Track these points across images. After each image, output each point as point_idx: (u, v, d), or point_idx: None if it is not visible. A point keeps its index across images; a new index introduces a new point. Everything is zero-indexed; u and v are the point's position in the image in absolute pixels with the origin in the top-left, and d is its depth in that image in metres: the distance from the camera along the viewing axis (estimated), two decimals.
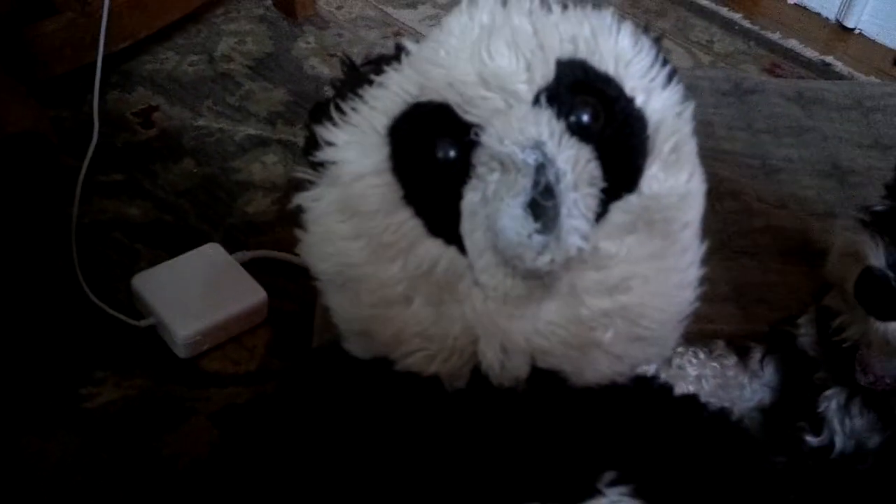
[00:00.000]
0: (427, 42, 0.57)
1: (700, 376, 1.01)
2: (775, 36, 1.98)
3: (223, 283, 1.19)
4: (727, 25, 2.00)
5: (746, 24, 2.01)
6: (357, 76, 0.59)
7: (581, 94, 0.54)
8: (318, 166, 0.58)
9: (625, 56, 0.56)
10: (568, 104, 0.53)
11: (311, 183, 0.58)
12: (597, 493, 0.51)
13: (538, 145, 0.51)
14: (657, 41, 0.60)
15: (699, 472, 0.56)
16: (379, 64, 0.59)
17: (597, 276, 0.53)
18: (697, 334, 1.12)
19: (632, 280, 0.54)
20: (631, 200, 0.54)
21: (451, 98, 0.54)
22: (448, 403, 0.55)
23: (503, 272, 0.53)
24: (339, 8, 1.85)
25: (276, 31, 1.74)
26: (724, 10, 2.05)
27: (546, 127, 0.52)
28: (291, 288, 1.24)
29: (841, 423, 0.89)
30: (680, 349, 1.02)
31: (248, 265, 1.23)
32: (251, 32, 1.73)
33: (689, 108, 0.58)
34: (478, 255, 0.53)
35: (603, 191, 0.53)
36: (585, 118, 0.53)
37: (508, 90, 0.53)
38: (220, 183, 1.42)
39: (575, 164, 0.51)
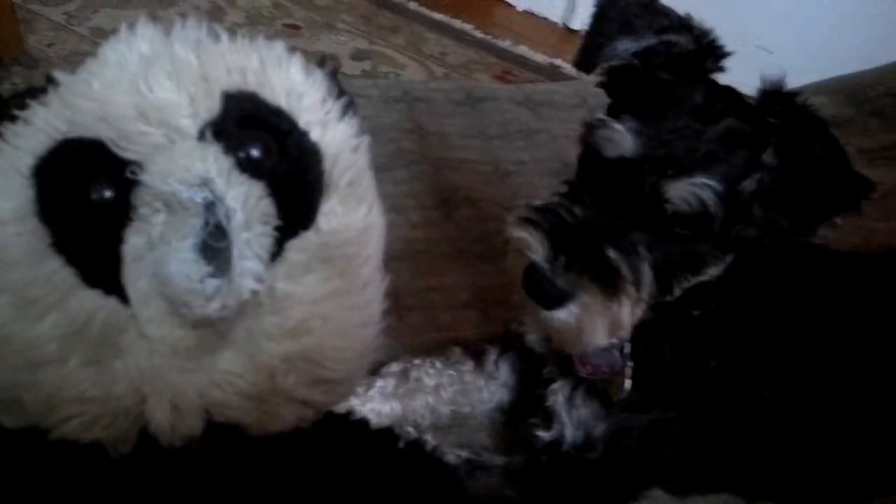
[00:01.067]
0: (80, 73, 0.53)
1: (438, 385, 1.02)
2: (506, 43, 2.05)
3: None
4: (459, 37, 2.05)
5: (478, 34, 2.07)
6: (17, 96, 0.54)
7: (251, 129, 0.51)
8: None
9: (297, 89, 0.54)
10: (236, 139, 0.50)
11: None
12: None
13: (205, 182, 0.48)
14: (332, 74, 0.58)
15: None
16: (24, 98, 0.53)
17: (275, 320, 0.50)
18: (437, 343, 1.12)
19: (312, 321, 0.51)
20: (308, 238, 0.52)
21: (105, 134, 0.49)
22: (113, 471, 0.50)
23: (171, 322, 0.49)
24: (50, 45, 1.73)
25: None
26: (457, 22, 2.10)
27: (213, 163, 0.49)
28: None
29: (568, 414, 0.92)
30: (417, 361, 1.02)
31: None
32: None
33: (366, 142, 0.57)
34: (143, 305, 0.49)
35: (278, 229, 0.50)
36: (256, 153, 0.51)
37: (171, 125, 0.50)
38: None
39: (246, 202, 0.49)
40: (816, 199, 0.83)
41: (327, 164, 0.53)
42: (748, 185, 0.82)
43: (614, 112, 0.88)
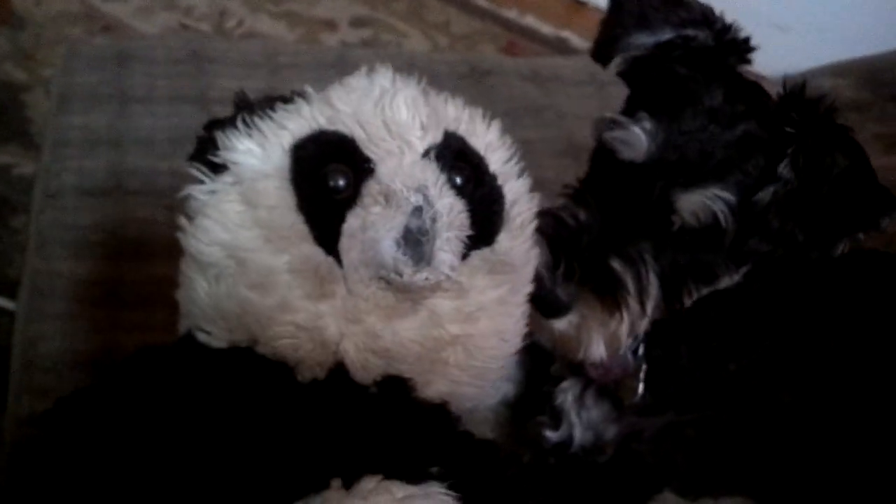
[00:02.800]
0: (332, 90, 0.69)
1: None
2: (512, 14, 1.98)
3: None
4: (463, 5, 1.98)
5: (483, 3, 2.00)
6: (268, 99, 0.69)
7: (460, 161, 0.68)
8: (216, 167, 0.66)
9: (493, 144, 0.72)
10: (450, 164, 0.67)
11: (202, 180, 0.67)
12: (430, 478, 0.62)
13: (422, 189, 0.64)
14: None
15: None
16: (273, 101, 0.69)
17: (455, 304, 0.67)
18: None
19: (481, 315, 0.68)
20: (487, 252, 0.68)
21: (357, 133, 0.65)
22: (298, 392, 0.64)
23: (376, 285, 0.65)
24: (37, 4, 1.66)
25: None
26: None
27: (432, 176, 0.65)
28: None
29: (577, 414, 0.88)
30: None
31: None
32: None
33: (536, 198, 0.74)
34: (353, 270, 0.65)
35: (468, 238, 0.67)
36: (460, 180, 0.67)
37: (405, 139, 0.66)
38: None
39: (450, 211, 0.65)
40: (835, 214, 0.80)
41: (507, 206, 0.70)
42: (763, 196, 0.79)
43: (632, 108, 0.84)
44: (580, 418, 0.89)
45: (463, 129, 0.70)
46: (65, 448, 0.64)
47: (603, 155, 0.83)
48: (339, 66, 1.45)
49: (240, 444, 0.61)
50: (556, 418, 0.90)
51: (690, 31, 0.84)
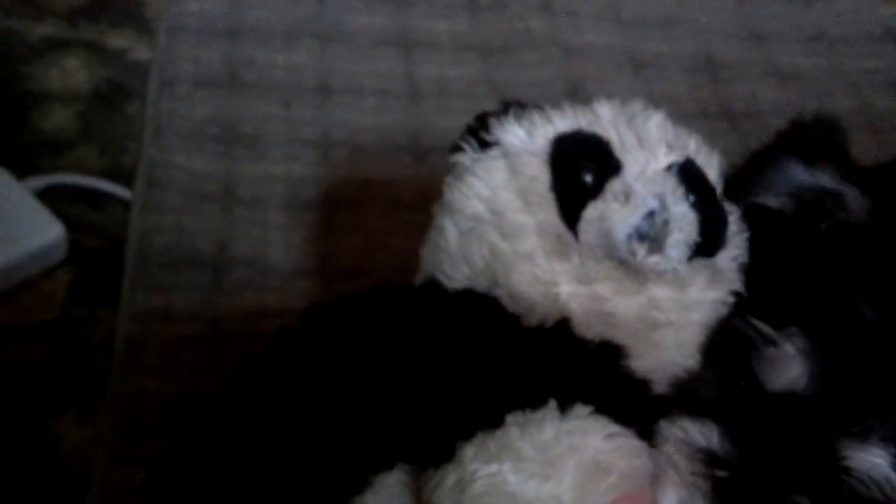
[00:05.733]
0: (594, 102, 0.80)
1: None
2: None
3: (10, 216, 1.03)
4: None
5: None
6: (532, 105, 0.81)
7: (695, 182, 0.77)
8: (484, 145, 0.78)
9: (717, 180, 0.80)
10: (687, 182, 0.76)
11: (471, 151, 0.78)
12: None
13: (660, 196, 0.74)
14: None
15: None
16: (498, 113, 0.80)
17: (673, 295, 0.73)
18: None
19: (696, 306, 0.74)
20: (705, 262, 0.76)
21: (612, 136, 0.76)
22: (524, 333, 0.70)
23: (606, 262, 0.73)
24: None
25: None
26: None
27: (671, 185, 0.75)
28: (95, 220, 1.10)
29: None
30: None
31: (42, 194, 1.08)
32: None
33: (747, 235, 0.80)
34: (588, 249, 0.73)
35: (693, 245, 0.75)
36: (694, 198, 0.76)
37: (652, 152, 0.76)
38: (7, 93, 1.22)
39: (683, 217, 0.75)
40: None
41: (727, 227, 0.78)
42: None
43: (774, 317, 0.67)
44: None
45: (701, 161, 0.79)
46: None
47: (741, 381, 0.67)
48: None
49: (469, 367, 0.66)
50: None
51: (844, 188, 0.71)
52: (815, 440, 0.60)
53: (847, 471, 0.59)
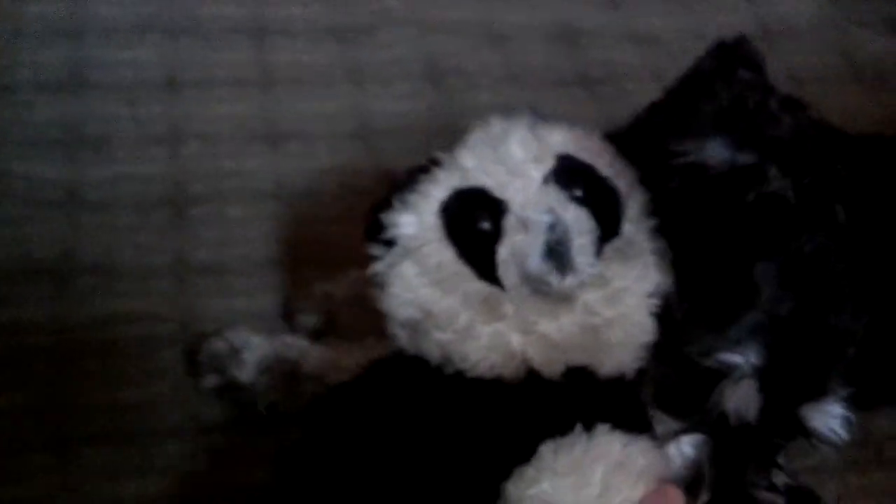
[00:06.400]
0: (457, 152, 0.83)
1: None
2: None
3: None
4: None
5: None
6: (411, 177, 0.83)
7: (574, 176, 0.81)
8: (387, 243, 0.82)
9: (597, 151, 0.84)
10: (566, 182, 0.80)
11: (381, 257, 0.82)
12: None
13: (550, 210, 0.78)
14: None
15: None
16: (418, 172, 0.84)
17: (601, 293, 0.79)
18: None
19: (624, 293, 0.79)
20: (617, 242, 0.81)
21: (486, 182, 0.81)
22: (506, 395, 0.77)
23: (535, 297, 0.78)
24: None
25: None
26: None
27: (553, 196, 0.80)
28: None
29: None
30: None
31: None
32: None
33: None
34: (515, 289, 0.78)
35: (598, 237, 0.80)
36: (578, 192, 0.80)
37: (524, 174, 0.80)
38: None
39: (577, 221, 0.79)
40: None
41: (623, 199, 0.82)
42: None
43: None
44: None
45: (570, 149, 0.83)
46: None
47: None
48: None
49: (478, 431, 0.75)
50: None
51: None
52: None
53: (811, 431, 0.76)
